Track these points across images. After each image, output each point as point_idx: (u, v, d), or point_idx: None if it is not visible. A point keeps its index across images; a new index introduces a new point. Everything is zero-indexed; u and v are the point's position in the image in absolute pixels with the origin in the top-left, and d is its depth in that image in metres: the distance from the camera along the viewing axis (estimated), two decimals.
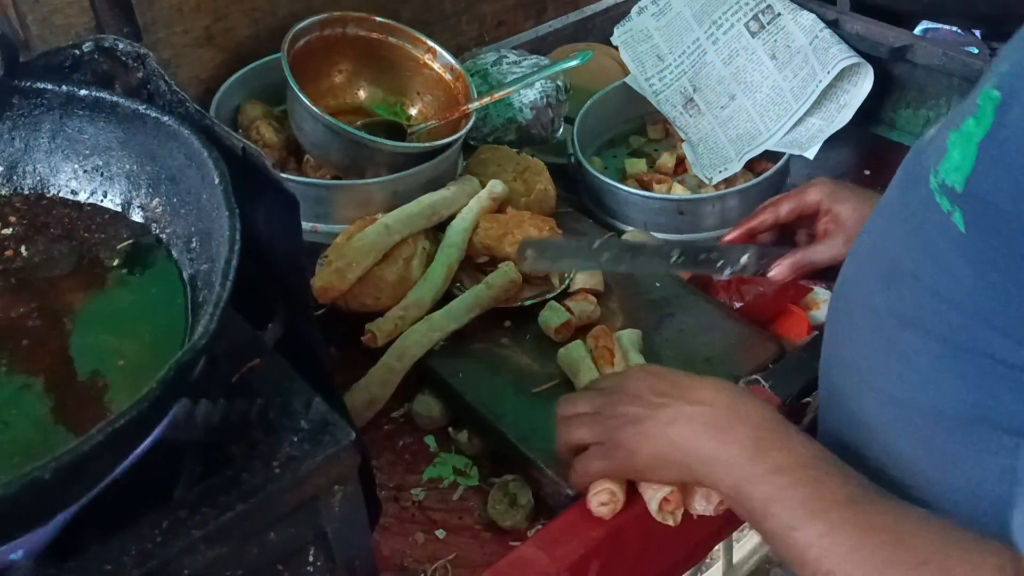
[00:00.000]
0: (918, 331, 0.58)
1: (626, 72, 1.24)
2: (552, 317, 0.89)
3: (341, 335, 0.91)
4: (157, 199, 0.64)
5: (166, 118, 0.61)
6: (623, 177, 1.15)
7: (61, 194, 0.67)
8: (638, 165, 1.17)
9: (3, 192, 0.67)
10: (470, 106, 1.01)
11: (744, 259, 0.85)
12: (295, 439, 0.54)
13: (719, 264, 0.86)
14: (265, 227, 0.62)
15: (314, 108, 0.92)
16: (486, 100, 1.02)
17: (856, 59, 1.07)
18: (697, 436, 0.66)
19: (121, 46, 0.69)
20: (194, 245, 0.60)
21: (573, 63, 1.05)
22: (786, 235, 0.91)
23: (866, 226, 0.70)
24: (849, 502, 0.58)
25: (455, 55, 1.10)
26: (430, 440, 0.88)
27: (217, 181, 0.54)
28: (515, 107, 1.09)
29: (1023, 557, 0.52)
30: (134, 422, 0.41)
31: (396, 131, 1.05)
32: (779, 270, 0.85)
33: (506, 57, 1.15)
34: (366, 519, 0.61)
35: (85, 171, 0.66)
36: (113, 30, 0.95)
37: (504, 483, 0.81)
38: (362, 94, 1.10)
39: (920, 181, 0.57)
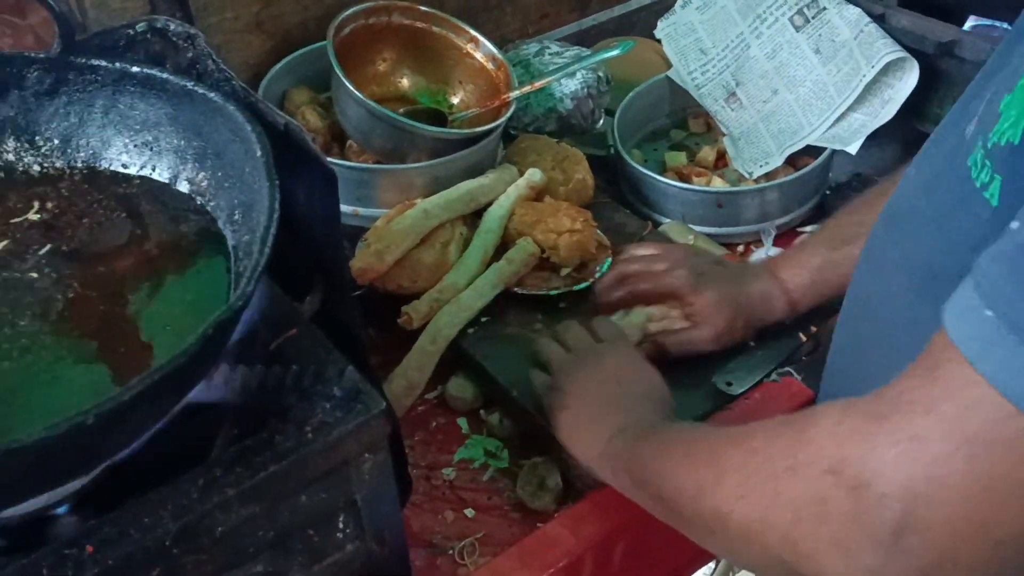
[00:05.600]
0: None
1: (668, 66, 1.24)
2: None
3: (378, 316, 0.93)
4: (203, 173, 0.66)
5: (213, 94, 0.63)
6: (663, 170, 1.15)
7: (112, 167, 0.69)
8: (678, 158, 1.17)
9: (58, 165, 0.69)
10: (510, 95, 1.02)
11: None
12: (327, 405, 0.56)
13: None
14: (305, 202, 0.64)
15: (358, 94, 0.94)
16: (527, 89, 1.03)
17: (901, 53, 1.06)
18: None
19: (172, 27, 0.72)
20: (236, 217, 0.62)
21: (614, 53, 1.05)
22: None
23: (873, 239, 0.68)
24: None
25: (498, 46, 1.11)
26: (462, 422, 0.89)
27: (259, 154, 0.56)
28: (556, 97, 1.09)
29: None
30: (172, 376, 0.43)
31: (438, 119, 1.07)
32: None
33: (548, 48, 1.16)
34: (395, 489, 0.62)
35: (136, 145, 0.69)
36: (166, 15, 0.97)
37: (533, 465, 0.81)
38: (405, 82, 1.11)
39: (951, 174, 0.55)
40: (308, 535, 0.60)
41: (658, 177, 1.07)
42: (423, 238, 0.92)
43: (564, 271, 0.94)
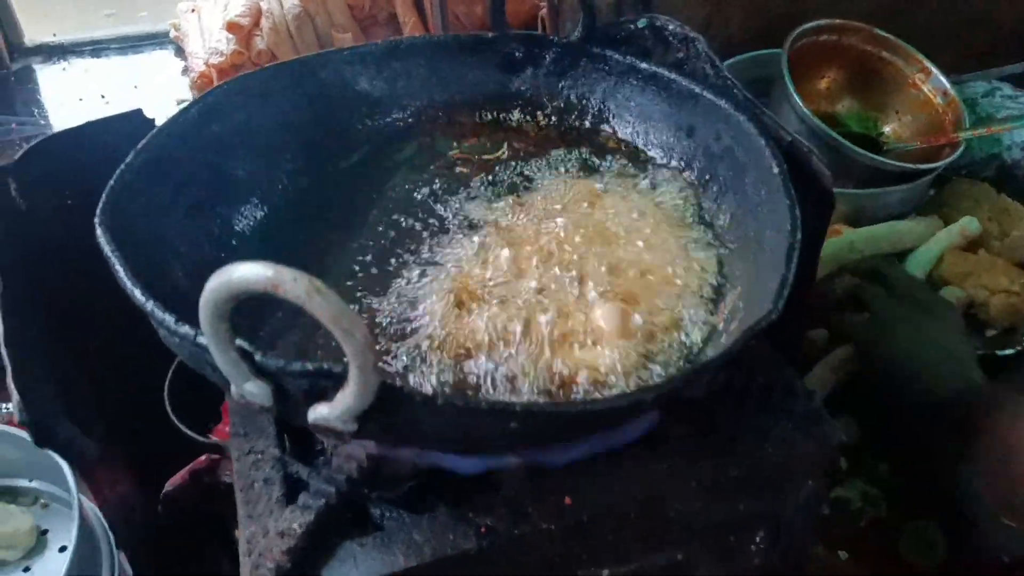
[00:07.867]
0: None
1: None
2: None
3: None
4: (688, 172, 0.69)
5: (721, 102, 0.65)
6: None
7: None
8: None
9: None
10: (960, 135, 0.96)
11: None
12: (789, 425, 0.57)
13: None
14: None
15: (804, 108, 0.94)
16: (981, 131, 0.97)
17: None
18: None
19: (671, 27, 0.76)
20: (722, 222, 0.64)
21: None
22: None
23: None
24: None
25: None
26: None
27: (776, 171, 0.57)
28: (1003, 144, 1.02)
29: None
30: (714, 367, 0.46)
31: (866, 145, 1.03)
32: None
33: (1000, 89, 1.08)
34: (815, 520, 0.62)
35: (624, 135, 0.73)
36: (629, 8, 1.03)
37: (923, 527, 0.78)
38: (838, 103, 1.09)
39: None
40: (728, 539, 0.61)
41: None
42: (840, 269, 0.90)
43: (989, 332, 0.88)
